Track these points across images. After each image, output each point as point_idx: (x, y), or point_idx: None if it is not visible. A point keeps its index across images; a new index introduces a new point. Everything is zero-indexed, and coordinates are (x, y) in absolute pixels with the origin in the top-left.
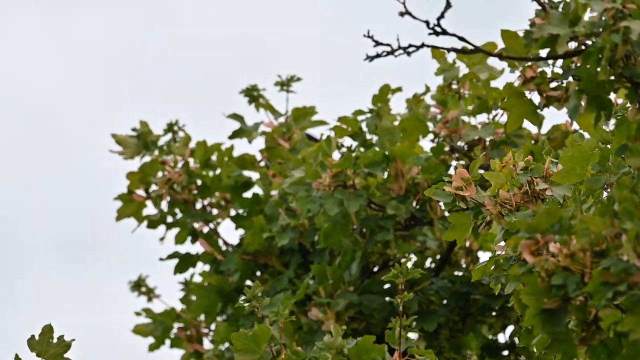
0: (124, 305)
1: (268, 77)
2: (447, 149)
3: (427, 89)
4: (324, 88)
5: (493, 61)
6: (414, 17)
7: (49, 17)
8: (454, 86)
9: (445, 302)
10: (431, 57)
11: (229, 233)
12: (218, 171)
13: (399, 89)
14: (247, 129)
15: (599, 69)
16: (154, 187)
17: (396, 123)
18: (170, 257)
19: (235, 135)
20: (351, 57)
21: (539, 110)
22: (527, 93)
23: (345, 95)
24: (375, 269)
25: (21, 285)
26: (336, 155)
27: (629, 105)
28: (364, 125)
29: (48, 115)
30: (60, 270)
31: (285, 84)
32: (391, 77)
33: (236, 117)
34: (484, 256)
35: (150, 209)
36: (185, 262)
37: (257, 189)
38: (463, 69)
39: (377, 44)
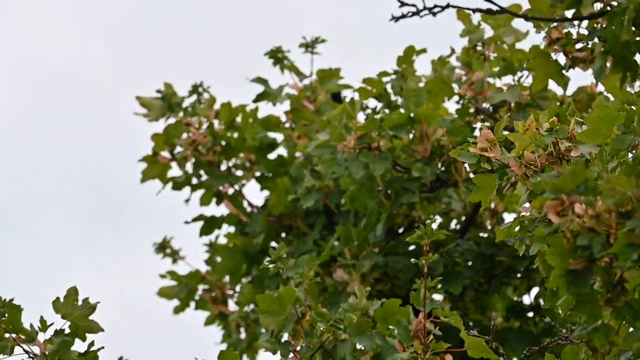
0: (149, 268)
1: (293, 40)
2: (472, 110)
3: (452, 51)
4: (349, 50)
5: (518, 23)
6: None
7: None
8: (479, 48)
9: (470, 263)
10: (456, 19)
11: (254, 194)
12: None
13: (424, 51)
14: (272, 91)
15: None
16: (178, 149)
17: (421, 85)
18: (195, 219)
19: (259, 98)
20: (376, 19)
21: (564, 71)
22: (552, 54)
23: (370, 57)
24: (401, 230)
25: (46, 247)
26: (361, 117)
27: None
28: (388, 87)
29: (74, 80)
30: (84, 232)
31: (309, 46)
32: (416, 38)
33: (260, 80)
34: (509, 218)
35: (175, 171)
36: (210, 224)
37: (281, 151)
38: (488, 31)
39: (403, 4)
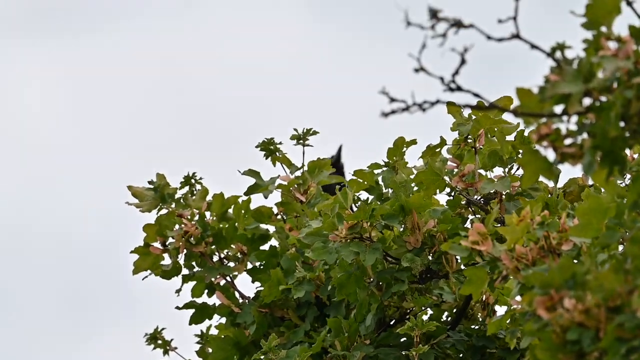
0: (140, 359)
1: (286, 131)
2: (463, 202)
3: (443, 142)
4: (341, 141)
5: (508, 115)
6: (429, 74)
7: (63, 63)
8: (470, 140)
9: (461, 355)
10: (447, 113)
11: (245, 286)
12: (235, 224)
13: (414, 142)
14: (263, 184)
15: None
16: (170, 240)
17: (412, 176)
18: (186, 306)
19: (250, 190)
20: (366, 111)
21: (554, 166)
22: (541, 150)
23: (361, 147)
24: (392, 322)
25: (35, 339)
26: (354, 209)
27: None
28: (380, 179)
29: (62, 167)
30: (73, 324)
31: (301, 138)
32: (405, 127)
33: (252, 173)
34: (500, 310)
35: (166, 262)
36: (201, 312)
37: (274, 242)
38: (478, 124)
39: (392, 100)
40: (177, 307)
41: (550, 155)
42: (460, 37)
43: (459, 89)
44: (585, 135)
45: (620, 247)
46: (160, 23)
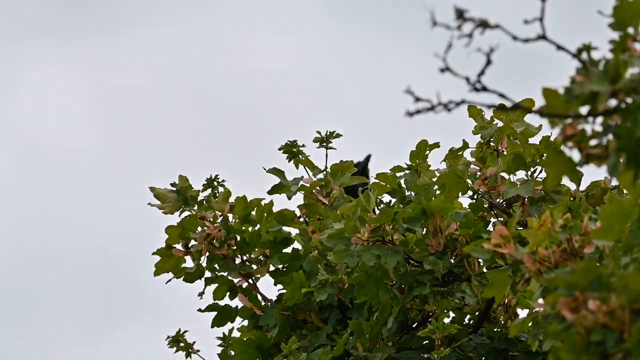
0: None
1: (308, 133)
2: (485, 205)
3: (466, 145)
4: (363, 143)
5: (530, 117)
6: (454, 74)
7: (85, 66)
8: (492, 143)
9: (483, 358)
10: (468, 116)
11: (268, 288)
12: (257, 227)
13: (437, 145)
14: (287, 184)
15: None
16: (193, 242)
17: (435, 179)
18: (208, 308)
19: (274, 190)
20: (390, 112)
21: (578, 167)
22: (566, 151)
23: (383, 150)
24: (414, 325)
25: (55, 339)
26: (376, 212)
27: None
28: (402, 182)
29: (81, 171)
30: (92, 329)
31: (324, 140)
32: (429, 128)
33: (276, 171)
34: (522, 312)
35: (189, 264)
36: (223, 315)
37: (296, 245)
38: (501, 126)
39: (417, 99)
40: (199, 310)
41: (575, 156)
42: (486, 37)
43: (484, 89)
44: (610, 137)
45: None
46: (181, 24)
